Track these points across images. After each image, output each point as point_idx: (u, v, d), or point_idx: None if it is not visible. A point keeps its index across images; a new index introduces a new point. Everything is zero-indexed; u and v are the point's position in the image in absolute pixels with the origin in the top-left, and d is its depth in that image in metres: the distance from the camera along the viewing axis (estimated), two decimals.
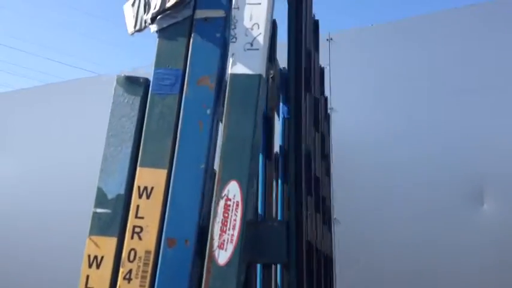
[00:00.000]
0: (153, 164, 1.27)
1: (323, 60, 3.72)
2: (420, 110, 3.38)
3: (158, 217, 1.23)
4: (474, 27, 3.38)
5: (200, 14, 1.36)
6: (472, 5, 3.45)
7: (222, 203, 1.23)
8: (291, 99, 1.41)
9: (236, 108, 1.28)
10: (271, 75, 1.83)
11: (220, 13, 1.35)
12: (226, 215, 1.22)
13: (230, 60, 1.32)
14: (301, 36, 1.45)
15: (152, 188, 1.26)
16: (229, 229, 1.21)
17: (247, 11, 1.35)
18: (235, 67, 1.31)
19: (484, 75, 3.25)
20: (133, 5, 1.44)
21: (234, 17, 1.35)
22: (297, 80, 1.42)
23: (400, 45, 3.58)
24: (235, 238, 1.20)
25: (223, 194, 1.23)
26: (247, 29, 1.34)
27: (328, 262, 3.00)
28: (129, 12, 1.45)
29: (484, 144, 3.14)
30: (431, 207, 3.18)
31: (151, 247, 1.22)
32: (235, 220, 1.22)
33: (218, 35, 1.34)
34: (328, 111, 3.62)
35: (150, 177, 1.26)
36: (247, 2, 1.35)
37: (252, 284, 1.29)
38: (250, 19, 1.34)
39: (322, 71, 2.88)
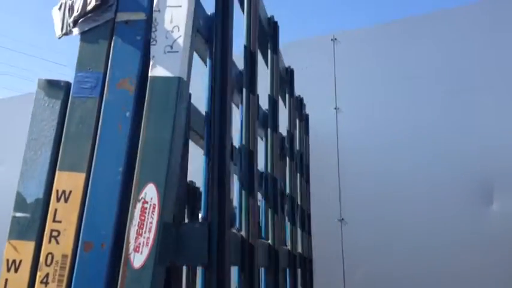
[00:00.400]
0: (72, 168, 1.27)
1: (328, 60, 3.70)
2: (427, 109, 3.34)
3: (75, 221, 1.24)
4: (476, 27, 3.35)
5: (121, 16, 1.36)
6: (474, 4, 3.43)
7: (139, 205, 1.23)
8: (215, 96, 1.40)
9: (154, 111, 1.28)
10: None
11: (141, 16, 1.35)
12: (143, 218, 1.23)
13: (151, 63, 1.32)
14: (227, 36, 1.45)
15: (70, 192, 1.26)
16: (145, 232, 1.21)
17: (168, 13, 1.34)
18: (155, 70, 1.31)
19: (491, 73, 3.22)
20: (60, 9, 1.44)
21: (155, 19, 1.35)
22: (222, 79, 1.42)
23: (404, 45, 3.55)
24: (150, 241, 1.21)
25: (140, 197, 1.24)
26: (167, 31, 1.33)
27: (306, 263, 2.99)
28: (56, 16, 1.45)
29: (492, 143, 3.10)
30: (440, 206, 3.15)
31: (68, 251, 1.22)
32: (151, 223, 1.22)
33: (139, 37, 1.34)
34: (334, 110, 3.60)
35: (69, 181, 1.26)
36: (167, 4, 1.35)
37: (171, 285, 1.29)
38: (171, 21, 1.34)
39: (290, 72, 2.85)
